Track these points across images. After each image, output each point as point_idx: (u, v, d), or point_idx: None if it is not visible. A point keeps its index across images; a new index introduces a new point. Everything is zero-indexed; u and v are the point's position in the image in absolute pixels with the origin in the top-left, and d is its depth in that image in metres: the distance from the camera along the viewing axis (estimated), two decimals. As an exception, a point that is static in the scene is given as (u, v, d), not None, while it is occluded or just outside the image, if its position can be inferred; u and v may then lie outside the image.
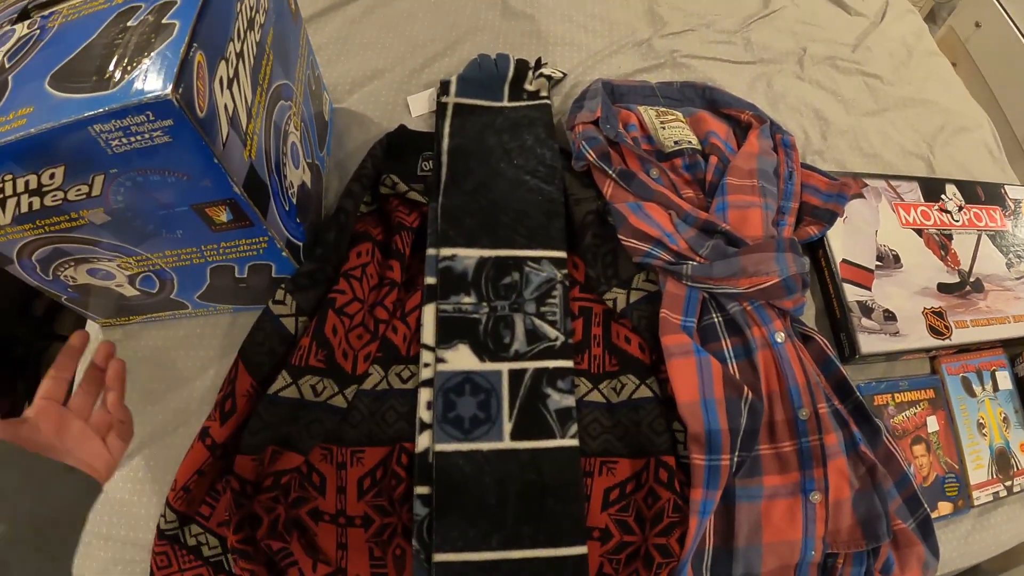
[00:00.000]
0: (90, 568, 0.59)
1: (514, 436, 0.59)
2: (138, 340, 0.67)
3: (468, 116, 0.77)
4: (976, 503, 0.72)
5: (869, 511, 0.62)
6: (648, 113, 0.79)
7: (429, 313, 0.64)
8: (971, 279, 0.81)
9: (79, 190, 0.46)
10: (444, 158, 0.73)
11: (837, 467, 0.63)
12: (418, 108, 0.81)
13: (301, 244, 0.65)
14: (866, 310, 0.73)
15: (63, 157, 0.43)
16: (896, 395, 0.73)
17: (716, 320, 0.67)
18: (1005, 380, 0.79)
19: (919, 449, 0.72)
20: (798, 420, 0.64)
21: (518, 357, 0.63)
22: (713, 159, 0.76)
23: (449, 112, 0.77)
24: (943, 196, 0.85)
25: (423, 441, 0.59)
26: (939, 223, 0.83)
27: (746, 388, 0.62)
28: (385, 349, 0.64)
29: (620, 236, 0.69)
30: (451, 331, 0.63)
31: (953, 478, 0.72)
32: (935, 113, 0.95)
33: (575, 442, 0.60)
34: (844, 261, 0.75)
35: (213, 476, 0.58)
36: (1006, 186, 0.91)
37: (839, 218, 0.77)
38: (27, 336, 1.11)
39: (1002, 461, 0.75)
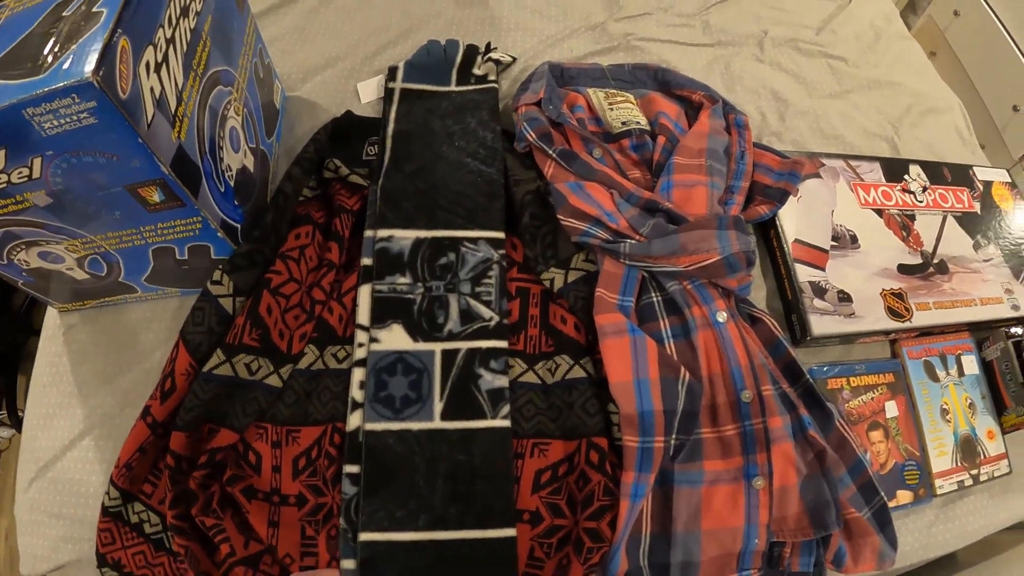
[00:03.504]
0: (41, 546, 0.59)
1: (444, 416, 0.58)
2: (93, 324, 0.67)
3: (415, 101, 0.76)
4: (939, 492, 0.68)
5: (817, 498, 0.59)
6: (597, 95, 0.78)
7: (364, 294, 0.62)
8: (935, 260, 0.78)
9: (20, 172, 0.47)
10: (388, 142, 0.72)
11: (783, 452, 0.60)
12: (367, 94, 0.80)
13: (239, 226, 0.65)
14: (819, 291, 0.70)
15: (3, 140, 0.44)
16: (852, 379, 0.70)
17: (655, 300, 0.64)
18: (971, 365, 0.76)
19: (876, 435, 0.69)
20: (741, 403, 0.61)
21: (452, 337, 0.61)
22: (661, 139, 0.74)
23: (396, 97, 0.76)
24: (906, 176, 0.82)
25: (354, 420, 0.58)
26: (901, 203, 0.80)
27: (683, 368, 0.60)
28: (321, 329, 0.63)
29: (559, 216, 0.67)
30: (386, 311, 0.62)
31: (914, 465, 0.69)
32: (902, 95, 0.92)
33: (506, 423, 0.58)
34: (797, 241, 0.72)
35: (155, 454, 0.57)
36: (975, 167, 0.87)
37: (792, 197, 0.74)
38: (6, 330, 1.12)
39: (967, 448, 0.71)
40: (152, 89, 0.49)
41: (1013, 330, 0.75)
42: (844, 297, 0.71)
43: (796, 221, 0.74)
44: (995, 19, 1.14)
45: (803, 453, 0.61)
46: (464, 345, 0.61)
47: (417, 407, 0.58)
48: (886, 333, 0.72)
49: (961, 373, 0.75)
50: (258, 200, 0.71)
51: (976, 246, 0.81)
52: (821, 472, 0.60)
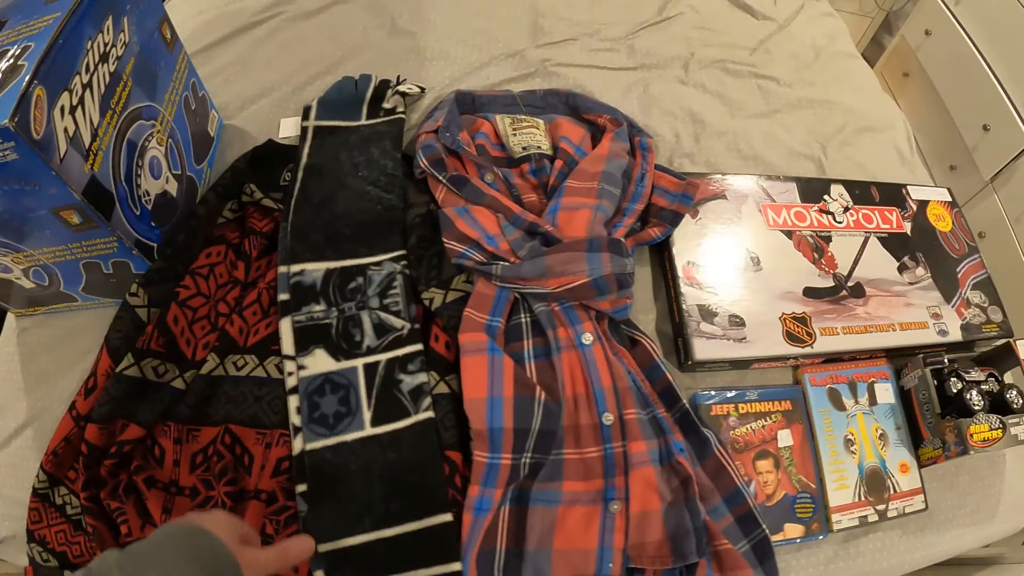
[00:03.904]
0: (-16, 523, 0.64)
1: (374, 423, 0.61)
2: (43, 328, 0.74)
3: (327, 137, 0.80)
4: (836, 527, 0.64)
5: (679, 527, 0.58)
6: (503, 121, 0.80)
7: (286, 326, 0.66)
8: (849, 283, 0.74)
9: (-32, 196, 0.55)
10: (299, 174, 0.76)
11: (643, 477, 0.59)
12: (286, 131, 0.84)
13: (156, 245, 0.71)
14: (708, 314, 0.69)
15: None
16: (741, 405, 0.67)
17: (523, 320, 0.65)
18: (886, 393, 0.71)
19: (764, 464, 0.66)
20: (603, 425, 0.60)
21: (371, 351, 0.64)
22: (558, 163, 0.75)
23: (309, 135, 0.81)
24: (826, 197, 0.79)
25: (297, 444, 0.61)
26: (816, 224, 0.77)
27: (539, 388, 0.60)
28: (223, 340, 0.67)
29: (444, 239, 0.69)
30: (307, 339, 0.65)
31: (807, 498, 0.65)
32: (836, 114, 0.89)
33: (430, 414, 0.60)
34: (689, 263, 0.71)
35: (78, 443, 0.62)
36: (909, 186, 0.83)
37: (690, 219, 0.73)
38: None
39: (874, 482, 0.67)
40: (66, 129, 0.56)
41: (939, 357, 0.70)
42: (736, 321, 0.69)
43: (691, 243, 0.72)
44: (966, 38, 1.08)
45: (668, 480, 0.60)
46: (383, 357, 0.64)
47: (349, 420, 0.61)
48: (782, 359, 0.69)
49: (873, 402, 0.70)
50: (181, 221, 0.77)
51: (902, 268, 0.77)
52: (684, 500, 0.59)
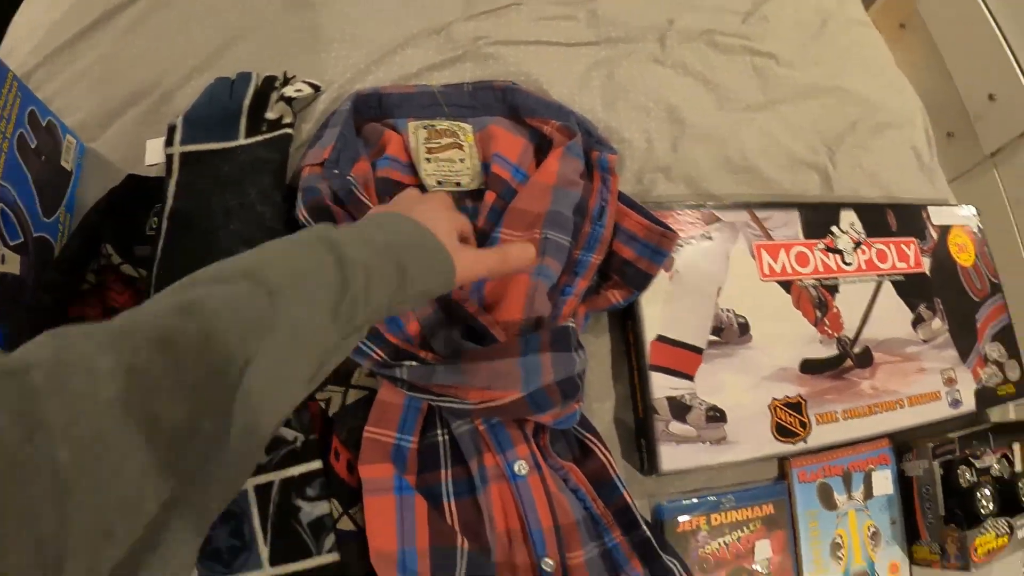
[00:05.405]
0: None
1: (273, 561, 0.47)
2: None
3: (195, 167, 0.57)
4: (814, 646, 0.54)
5: None
6: (417, 136, 0.57)
7: None
8: (855, 349, 0.58)
9: None
10: (164, 224, 0.55)
11: (592, 630, 0.45)
12: (152, 156, 0.61)
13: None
14: (680, 409, 0.52)
15: None
16: (713, 516, 0.53)
17: (441, 439, 0.48)
18: (884, 482, 0.58)
19: (737, 585, 0.53)
20: (542, 571, 0.46)
21: (261, 470, 0.49)
22: (489, 197, 0.54)
23: (175, 166, 0.57)
24: (834, 228, 0.60)
25: None
26: (822, 269, 0.59)
27: (460, 537, 0.45)
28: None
29: (333, 320, 0.49)
30: None
31: (784, 617, 0.53)
32: (848, 104, 0.67)
33: (334, 557, 0.47)
34: (659, 339, 0.53)
35: None
36: (929, 207, 0.64)
37: (664, 272, 0.55)
38: None
39: (861, 590, 0.55)
40: None
41: (951, 444, 0.56)
42: (715, 416, 0.52)
43: (663, 308, 0.54)
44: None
45: (625, 626, 0.47)
46: (276, 476, 0.48)
47: (245, 556, 0.47)
48: (769, 459, 0.54)
49: (868, 495, 0.57)
50: (27, 312, 0.57)
51: (917, 321, 0.61)
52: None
